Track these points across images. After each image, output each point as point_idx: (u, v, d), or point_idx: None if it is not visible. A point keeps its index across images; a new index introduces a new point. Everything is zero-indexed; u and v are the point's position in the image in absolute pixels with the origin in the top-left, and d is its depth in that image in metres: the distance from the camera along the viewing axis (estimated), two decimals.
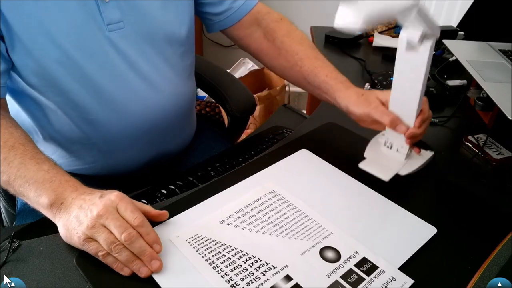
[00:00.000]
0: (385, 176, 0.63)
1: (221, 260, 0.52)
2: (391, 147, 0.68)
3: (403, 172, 0.65)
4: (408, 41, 0.58)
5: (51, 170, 0.57)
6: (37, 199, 0.55)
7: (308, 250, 0.54)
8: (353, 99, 0.70)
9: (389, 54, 1.19)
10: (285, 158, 0.71)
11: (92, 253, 0.51)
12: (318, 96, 0.78)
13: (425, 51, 0.57)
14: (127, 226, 0.50)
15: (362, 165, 0.66)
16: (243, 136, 1.12)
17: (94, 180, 0.81)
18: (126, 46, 0.69)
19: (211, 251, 0.53)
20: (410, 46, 0.58)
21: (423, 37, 0.56)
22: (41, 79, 0.66)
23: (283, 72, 0.84)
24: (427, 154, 0.69)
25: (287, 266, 0.51)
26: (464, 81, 1.01)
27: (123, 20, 0.67)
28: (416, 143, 0.68)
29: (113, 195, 0.53)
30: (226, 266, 0.51)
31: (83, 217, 0.51)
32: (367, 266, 0.52)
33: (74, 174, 0.80)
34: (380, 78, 0.97)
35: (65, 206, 0.53)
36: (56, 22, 0.62)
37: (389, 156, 0.68)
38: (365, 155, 0.69)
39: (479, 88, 0.90)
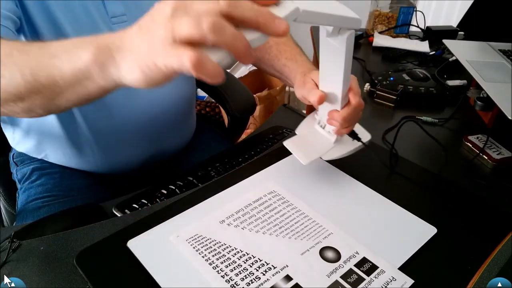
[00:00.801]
0: (304, 160, 0.61)
1: (221, 260, 0.52)
2: (324, 127, 0.65)
3: (326, 157, 0.63)
4: (326, 28, 0.53)
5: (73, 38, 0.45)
6: (74, 63, 0.42)
7: (308, 250, 0.54)
8: (297, 81, 0.68)
9: (389, 54, 1.19)
10: (285, 158, 0.71)
11: (186, 58, 0.35)
12: (286, 83, 0.77)
13: (342, 42, 0.53)
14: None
15: (286, 143, 0.64)
16: (243, 136, 1.12)
17: (95, 177, 0.81)
18: None
19: (211, 251, 0.53)
20: (328, 33, 0.53)
21: (339, 29, 0.52)
22: None
23: (259, 64, 0.83)
24: (356, 143, 0.65)
25: (287, 266, 0.51)
26: (464, 81, 1.01)
27: (126, 13, 0.70)
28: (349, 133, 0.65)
29: None
30: (226, 266, 0.51)
31: (149, 31, 0.38)
32: (367, 266, 0.52)
33: (75, 170, 0.81)
34: (380, 78, 0.97)
35: (116, 43, 0.40)
36: (62, 12, 0.64)
37: (320, 136, 0.65)
38: (297, 131, 0.67)
39: (479, 88, 0.90)
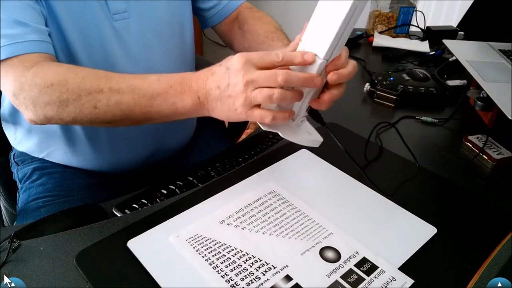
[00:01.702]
0: (263, 124, 0.57)
1: (221, 260, 0.52)
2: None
3: (283, 135, 0.59)
4: None
5: (159, 78, 0.58)
6: (174, 106, 0.57)
7: (308, 250, 0.54)
8: None
9: (389, 54, 1.19)
10: (285, 158, 0.71)
11: (258, 117, 0.54)
12: None
13: None
14: (275, 71, 0.51)
15: None
16: (243, 136, 1.12)
17: (95, 177, 0.81)
18: (130, 37, 0.72)
19: (211, 251, 0.53)
20: None
21: None
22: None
23: None
24: (315, 137, 0.63)
25: (287, 266, 0.51)
26: (464, 81, 1.01)
27: (128, 10, 0.70)
28: (315, 115, 0.62)
29: (236, 62, 0.53)
30: (226, 266, 0.51)
31: (231, 97, 0.53)
32: (367, 266, 0.52)
33: (75, 169, 0.81)
34: (380, 78, 0.97)
35: (206, 96, 0.56)
36: (64, 9, 0.65)
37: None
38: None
39: (479, 88, 0.90)
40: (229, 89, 0.53)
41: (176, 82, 0.57)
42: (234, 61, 0.53)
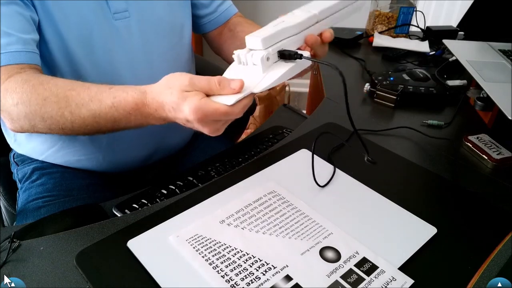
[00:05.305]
0: (228, 101, 0.53)
1: (221, 260, 0.52)
2: (247, 63, 0.57)
3: (257, 89, 0.55)
4: None
5: (113, 102, 0.57)
6: (142, 125, 0.59)
7: (308, 250, 0.54)
8: None
9: (389, 54, 1.19)
10: (285, 158, 0.71)
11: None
12: None
13: None
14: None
15: None
16: (243, 136, 1.12)
17: (95, 177, 0.81)
18: (130, 36, 0.72)
19: (211, 251, 0.53)
20: None
21: None
22: (49, 70, 0.69)
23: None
24: (289, 64, 0.57)
25: (287, 266, 0.51)
26: (464, 81, 1.01)
27: (128, 9, 0.71)
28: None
29: (193, 119, 0.52)
30: (226, 266, 0.51)
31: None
32: (367, 266, 0.52)
33: (75, 169, 0.81)
34: (380, 78, 0.97)
35: (171, 120, 0.56)
36: (63, 10, 0.65)
37: (246, 74, 0.56)
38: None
39: (479, 88, 0.90)
40: (195, 128, 0.54)
41: (133, 109, 0.56)
42: (191, 118, 0.52)
